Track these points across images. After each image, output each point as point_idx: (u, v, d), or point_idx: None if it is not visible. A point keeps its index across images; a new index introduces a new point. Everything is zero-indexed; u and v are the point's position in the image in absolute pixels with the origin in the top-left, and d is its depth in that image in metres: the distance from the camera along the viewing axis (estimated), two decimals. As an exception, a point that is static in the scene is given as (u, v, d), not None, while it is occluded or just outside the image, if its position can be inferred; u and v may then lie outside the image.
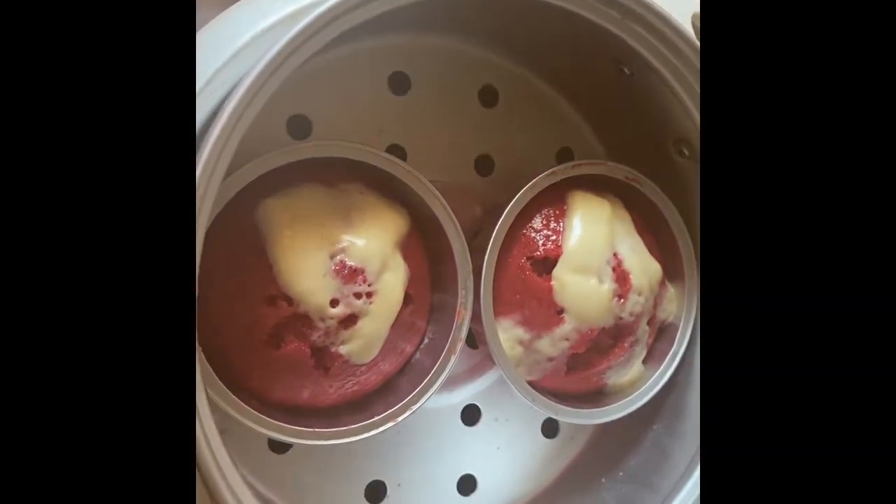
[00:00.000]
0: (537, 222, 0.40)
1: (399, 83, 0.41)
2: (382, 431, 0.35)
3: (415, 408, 0.36)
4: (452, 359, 0.37)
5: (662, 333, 0.43)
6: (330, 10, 0.29)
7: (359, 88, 0.40)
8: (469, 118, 0.42)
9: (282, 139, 0.38)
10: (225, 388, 0.33)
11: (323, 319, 0.33)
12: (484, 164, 0.43)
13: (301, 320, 0.33)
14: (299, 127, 0.39)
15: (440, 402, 0.42)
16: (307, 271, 0.33)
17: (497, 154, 0.43)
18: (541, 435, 0.45)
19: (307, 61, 0.30)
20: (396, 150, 0.41)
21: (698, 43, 0.36)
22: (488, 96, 0.43)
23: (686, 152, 0.41)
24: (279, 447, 0.39)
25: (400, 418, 0.35)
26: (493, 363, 0.43)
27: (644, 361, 0.43)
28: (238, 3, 0.36)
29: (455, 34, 0.41)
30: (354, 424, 0.35)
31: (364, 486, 0.41)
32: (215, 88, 0.34)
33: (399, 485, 0.41)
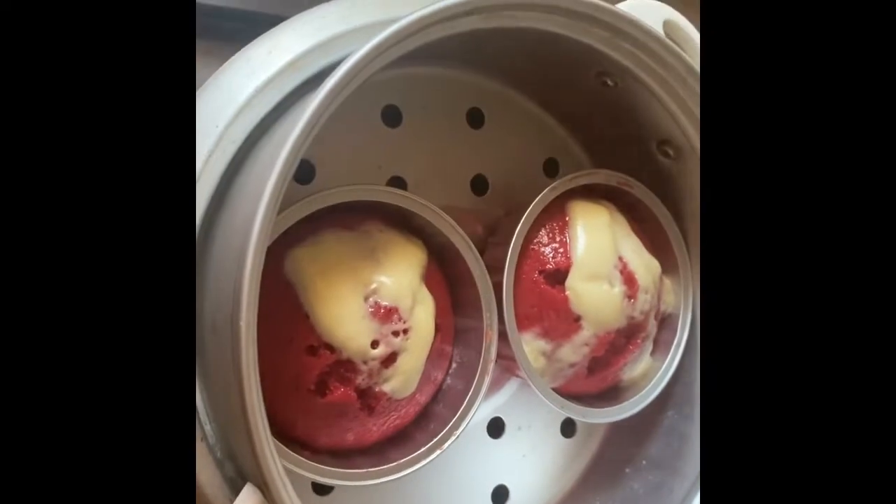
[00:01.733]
0: (543, 236, 0.41)
1: (391, 116, 0.41)
2: (432, 461, 0.36)
3: (458, 432, 0.37)
4: (487, 379, 0.38)
5: (664, 324, 0.45)
6: (364, 58, 0.29)
7: (355, 126, 0.40)
8: (460, 142, 0.43)
9: (289, 187, 0.38)
10: (276, 441, 0.33)
11: (366, 362, 0.34)
12: (479, 184, 0.44)
13: (344, 365, 0.34)
14: (303, 172, 0.39)
15: (467, 420, 0.44)
16: (346, 317, 0.33)
17: (489, 173, 0.44)
18: (560, 436, 0.47)
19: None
20: (397, 182, 0.41)
21: (679, 51, 0.38)
22: (475, 118, 0.44)
23: (670, 153, 0.43)
24: (322, 490, 0.39)
25: (446, 445, 0.36)
26: (511, 376, 0.45)
27: (651, 353, 0.45)
28: (230, 61, 0.36)
29: (439, 62, 0.42)
30: (402, 459, 0.36)
31: (406, 515, 0.41)
32: (225, 146, 0.34)
33: (439, 507, 0.42)
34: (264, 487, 0.28)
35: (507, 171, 0.45)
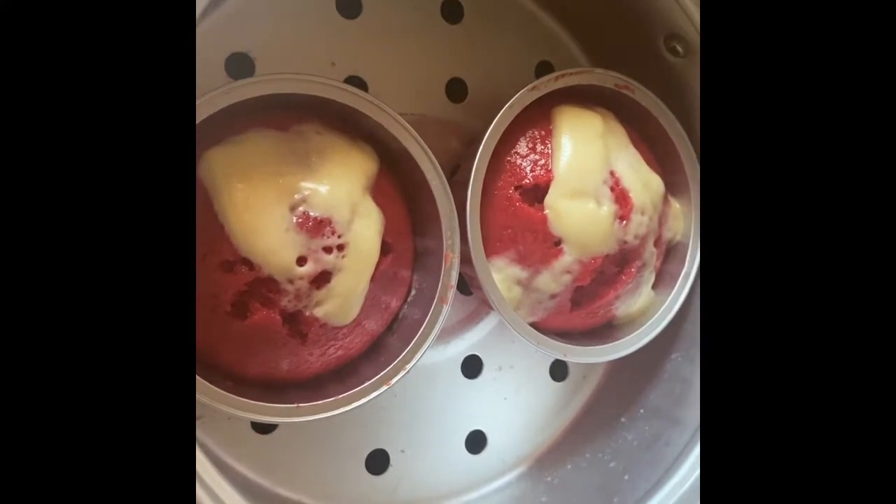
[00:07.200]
0: (522, 147, 0.35)
1: (349, 4, 0.36)
2: (375, 397, 0.31)
3: (408, 367, 0.32)
4: (445, 308, 0.33)
5: (671, 254, 0.39)
6: None
7: (303, 15, 0.35)
8: (433, 38, 0.38)
9: (221, 82, 0.33)
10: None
11: (291, 281, 0.29)
12: (456, 89, 0.39)
13: (266, 285, 0.29)
14: (240, 66, 0.34)
15: (437, 356, 0.39)
16: (266, 228, 0.29)
17: (469, 76, 0.39)
18: (550, 379, 0.42)
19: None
20: (355, 83, 0.36)
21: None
22: (452, 10, 0.38)
23: (680, 49, 0.36)
24: (263, 427, 0.35)
25: (394, 380, 0.32)
26: (490, 308, 0.39)
27: (654, 286, 0.39)
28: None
29: (406, -59, 0.36)
30: (342, 394, 0.31)
31: (364, 458, 0.37)
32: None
33: (402, 451, 0.38)
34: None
35: (490, 75, 0.39)
